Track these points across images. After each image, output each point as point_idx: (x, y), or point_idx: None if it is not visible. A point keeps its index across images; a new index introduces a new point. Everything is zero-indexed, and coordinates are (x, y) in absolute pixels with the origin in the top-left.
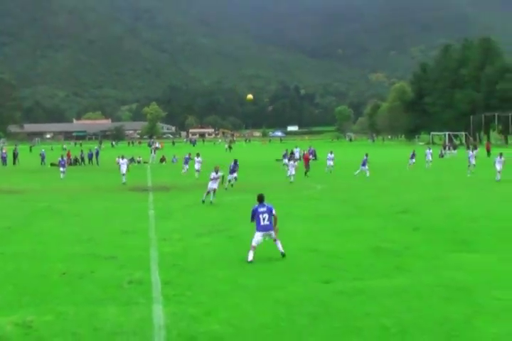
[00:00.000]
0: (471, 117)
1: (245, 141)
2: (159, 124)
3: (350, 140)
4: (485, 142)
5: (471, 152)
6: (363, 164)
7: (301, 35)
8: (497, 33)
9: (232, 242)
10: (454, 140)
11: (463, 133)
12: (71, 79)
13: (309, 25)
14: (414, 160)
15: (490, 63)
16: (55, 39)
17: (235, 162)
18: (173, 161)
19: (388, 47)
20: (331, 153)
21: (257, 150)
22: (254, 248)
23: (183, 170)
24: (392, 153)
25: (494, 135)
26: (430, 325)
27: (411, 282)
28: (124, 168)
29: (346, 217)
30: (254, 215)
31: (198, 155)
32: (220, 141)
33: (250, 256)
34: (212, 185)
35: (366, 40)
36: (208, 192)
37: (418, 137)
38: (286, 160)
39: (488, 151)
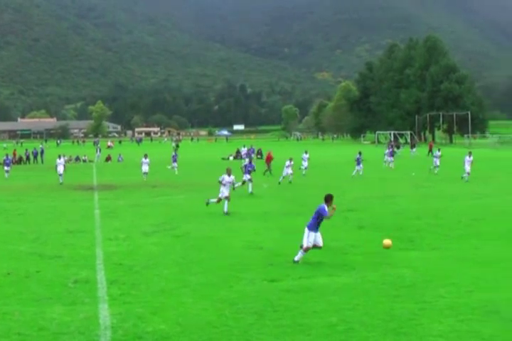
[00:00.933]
0: (416, 116)
1: (191, 139)
2: (105, 123)
3: (298, 139)
4: (429, 141)
5: (438, 152)
6: (358, 163)
7: (248, 34)
8: (441, 33)
9: (178, 241)
10: (400, 139)
11: (408, 132)
12: (16, 77)
13: (256, 23)
14: (392, 159)
15: (435, 63)
16: None
17: (250, 162)
18: (118, 160)
19: (334, 46)
20: (306, 152)
21: (203, 149)
22: (313, 246)
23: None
24: (341, 152)
25: (439, 134)
26: (377, 322)
27: (357, 280)
28: (60, 169)
29: (292, 216)
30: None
31: (145, 156)
32: (166, 139)
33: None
34: (225, 192)
35: (312, 39)
36: (220, 200)
37: (363, 136)
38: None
39: (430, 150)
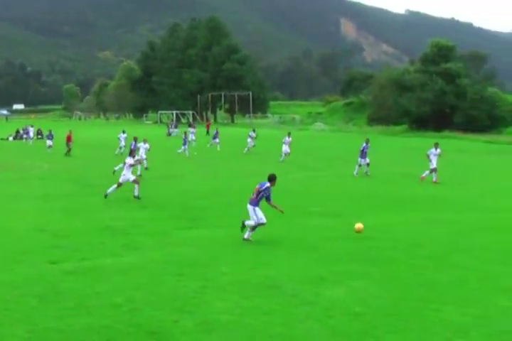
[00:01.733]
0: (199, 96)
1: None
2: None
3: (80, 119)
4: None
5: (252, 132)
6: (184, 143)
7: (28, 11)
8: (224, 14)
9: None
10: (182, 119)
11: (190, 112)
12: None
13: (36, 0)
14: (218, 140)
15: (217, 43)
16: None
17: (135, 140)
18: None
19: (116, 25)
20: (124, 132)
21: None
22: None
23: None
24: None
25: (221, 114)
26: (162, 301)
27: (141, 259)
28: None
29: (74, 196)
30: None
31: None
32: None
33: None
34: (128, 175)
35: (94, 17)
36: (120, 184)
37: (146, 116)
38: (49, 142)
39: (208, 130)
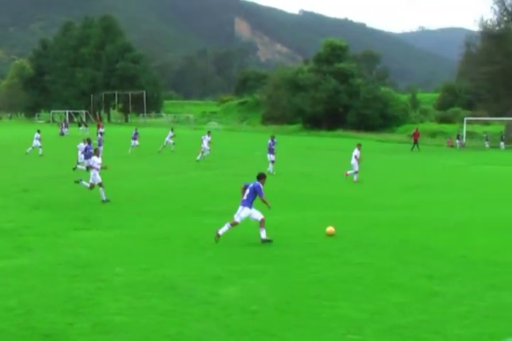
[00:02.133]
0: (92, 96)
1: None
2: None
3: None
4: (103, 121)
5: (171, 132)
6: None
7: None
8: (118, 13)
9: None
10: (75, 118)
11: (83, 111)
12: None
13: None
14: (137, 142)
15: (111, 42)
16: None
17: (89, 143)
18: None
19: (8, 23)
20: (39, 132)
21: None
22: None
23: None
24: (16, 131)
25: (115, 113)
26: (55, 303)
27: (33, 261)
28: None
29: None
30: (243, 189)
31: None
32: None
33: (222, 229)
34: (98, 177)
35: None
36: (93, 186)
37: (38, 115)
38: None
39: (98, 129)
